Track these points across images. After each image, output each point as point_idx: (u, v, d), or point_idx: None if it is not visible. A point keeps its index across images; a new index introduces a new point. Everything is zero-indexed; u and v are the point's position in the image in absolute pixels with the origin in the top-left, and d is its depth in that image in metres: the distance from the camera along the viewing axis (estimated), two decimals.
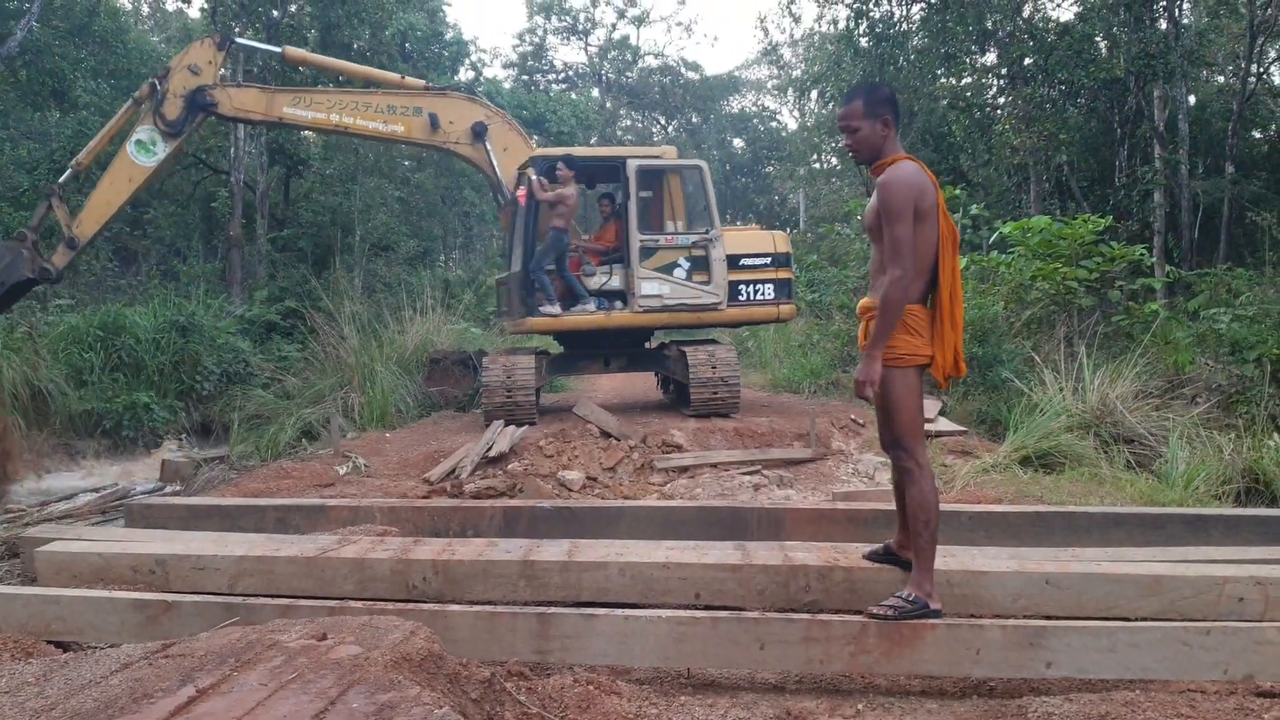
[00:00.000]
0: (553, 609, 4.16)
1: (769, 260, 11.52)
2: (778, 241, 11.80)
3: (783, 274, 11.61)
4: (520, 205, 10.79)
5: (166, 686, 2.85)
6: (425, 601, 4.35)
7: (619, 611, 4.13)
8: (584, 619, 4.06)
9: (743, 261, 11.29)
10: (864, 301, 4.27)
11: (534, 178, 10.62)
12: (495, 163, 11.77)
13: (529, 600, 4.36)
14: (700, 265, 11.03)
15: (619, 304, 10.99)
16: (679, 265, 10.99)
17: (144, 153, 10.97)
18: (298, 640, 3.23)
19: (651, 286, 10.82)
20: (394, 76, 12.74)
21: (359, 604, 4.25)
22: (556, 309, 10.66)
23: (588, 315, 10.81)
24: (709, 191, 11.29)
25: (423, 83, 12.69)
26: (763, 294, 11.41)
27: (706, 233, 11.11)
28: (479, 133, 11.85)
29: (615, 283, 11.03)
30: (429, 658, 3.15)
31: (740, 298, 11.28)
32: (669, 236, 11.10)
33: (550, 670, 3.95)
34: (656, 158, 11.51)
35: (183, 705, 2.70)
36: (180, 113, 11.05)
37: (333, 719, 2.61)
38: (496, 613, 4.13)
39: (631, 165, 10.86)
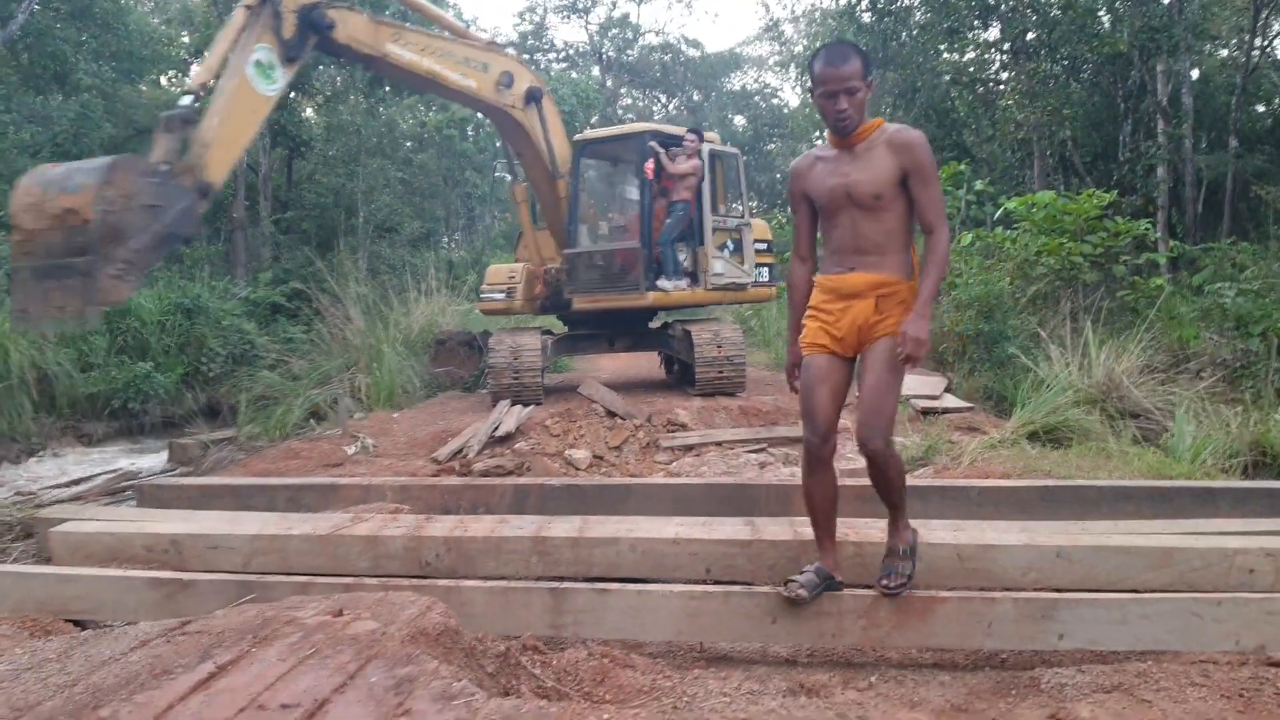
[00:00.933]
0: (565, 584, 4.18)
1: (766, 246, 12.35)
2: (768, 230, 12.80)
3: (771, 259, 12.49)
4: (646, 179, 10.90)
5: (186, 663, 2.88)
6: (439, 578, 4.37)
7: (631, 586, 4.15)
8: (597, 594, 4.08)
9: (755, 245, 11.88)
10: (868, 277, 3.97)
11: (661, 151, 10.76)
12: (548, 132, 11.16)
13: (541, 576, 4.38)
14: (737, 247, 11.56)
15: (689, 281, 11.20)
16: (727, 246, 11.47)
17: (264, 78, 8.61)
18: (314, 616, 3.25)
19: (719, 265, 11.21)
20: (462, 26, 11.68)
21: (373, 581, 4.27)
22: (672, 284, 10.82)
23: (682, 291, 11.00)
24: (742, 178, 11.95)
25: (486, 37, 11.63)
26: (762, 276, 12.09)
27: (743, 216, 11.72)
28: (534, 97, 10.98)
29: (686, 261, 11.23)
30: (445, 632, 3.18)
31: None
32: (722, 218, 11.44)
33: (564, 644, 3.98)
34: (711, 142, 11.64)
35: (203, 681, 2.73)
36: (295, 32, 8.80)
37: (352, 693, 2.63)
38: (510, 588, 4.15)
39: (706, 148, 11.13)
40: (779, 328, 17.21)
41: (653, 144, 10.87)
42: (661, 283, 10.73)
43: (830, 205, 4.02)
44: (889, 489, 4.03)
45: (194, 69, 8.19)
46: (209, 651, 2.96)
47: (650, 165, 10.77)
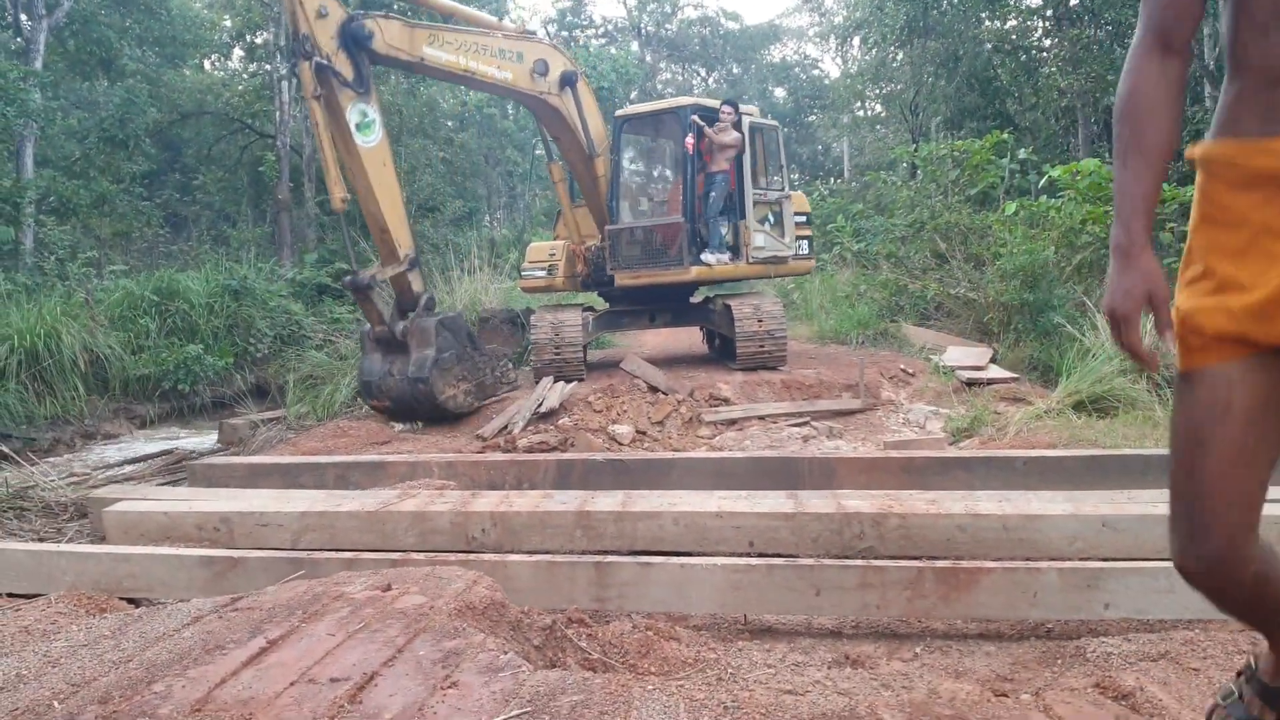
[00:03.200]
0: (610, 558, 4.21)
1: (805, 219, 12.34)
2: (806, 202, 12.72)
3: (810, 231, 12.56)
4: (688, 153, 10.91)
5: (237, 638, 2.92)
6: (485, 552, 4.42)
7: (675, 560, 4.16)
8: (641, 567, 4.10)
9: (795, 218, 11.88)
10: None
11: (702, 124, 10.78)
12: (583, 113, 11.07)
13: (585, 550, 4.41)
14: (778, 220, 11.55)
15: (730, 254, 11.21)
16: (767, 220, 11.46)
17: (369, 132, 9.06)
18: (363, 591, 3.29)
19: (760, 239, 11.23)
20: (493, 20, 11.71)
21: (420, 556, 4.32)
22: (715, 258, 10.86)
23: (725, 265, 11.04)
24: (782, 151, 11.91)
25: (516, 27, 11.64)
26: (802, 249, 12.14)
27: (783, 189, 11.69)
28: (568, 81, 10.89)
29: (728, 235, 11.24)
30: (492, 606, 3.21)
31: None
32: (763, 191, 11.42)
33: (609, 617, 4.01)
34: (750, 115, 11.58)
35: (254, 655, 2.77)
36: (348, 62, 8.98)
37: (401, 666, 2.67)
38: (555, 562, 4.18)
39: (746, 121, 11.14)
40: (821, 301, 17.08)
41: (694, 117, 10.84)
42: (705, 256, 10.72)
43: None
44: None
45: (329, 179, 9.07)
46: (260, 627, 3.01)
47: (690, 140, 10.73)
